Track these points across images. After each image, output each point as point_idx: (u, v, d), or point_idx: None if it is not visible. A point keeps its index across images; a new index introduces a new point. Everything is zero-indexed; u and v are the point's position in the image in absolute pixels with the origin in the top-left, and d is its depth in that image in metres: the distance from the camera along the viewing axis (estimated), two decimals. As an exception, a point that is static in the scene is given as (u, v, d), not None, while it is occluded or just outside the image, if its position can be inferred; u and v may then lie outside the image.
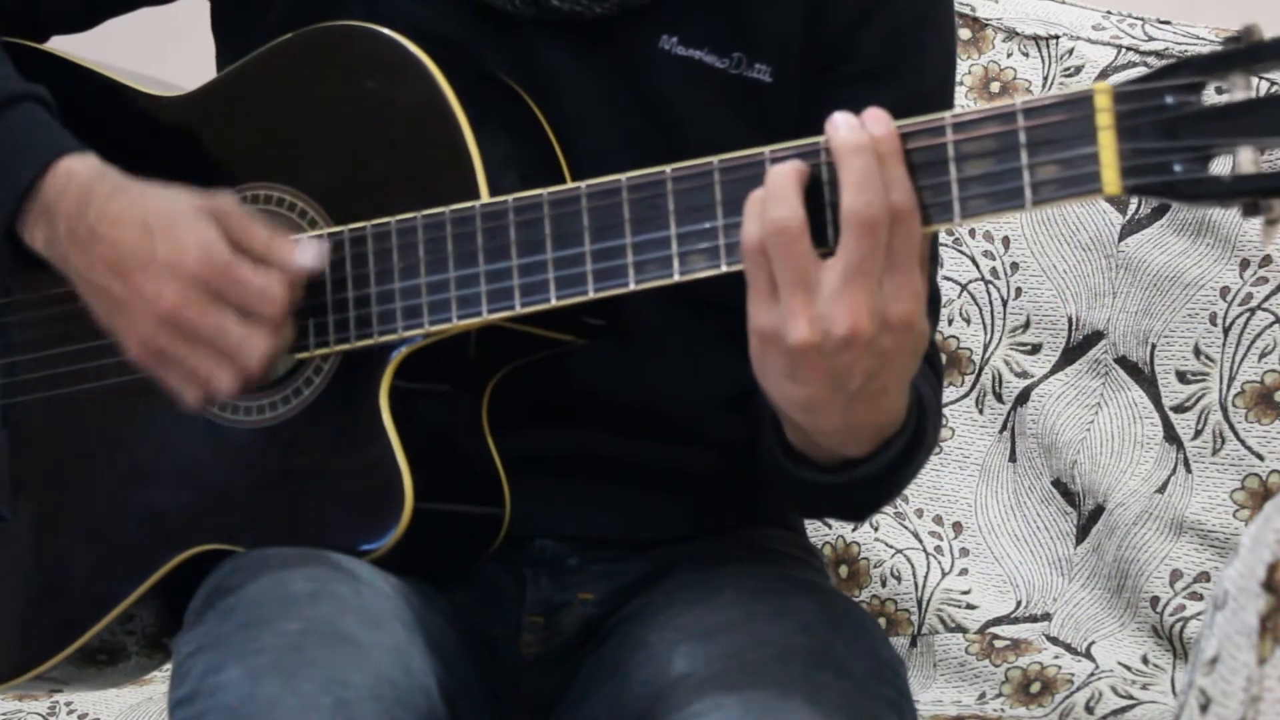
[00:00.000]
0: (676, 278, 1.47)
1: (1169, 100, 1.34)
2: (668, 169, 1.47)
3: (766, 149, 1.43)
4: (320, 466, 1.59)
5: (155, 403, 1.63)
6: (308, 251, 1.56)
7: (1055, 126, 1.37)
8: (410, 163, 1.58)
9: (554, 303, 1.51)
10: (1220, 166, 1.34)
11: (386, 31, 1.59)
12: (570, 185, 1.51)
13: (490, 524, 1.63)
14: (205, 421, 1.62)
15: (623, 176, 1.49)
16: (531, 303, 1.52)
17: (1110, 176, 1.35)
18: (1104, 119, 1.35)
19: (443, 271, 1.54)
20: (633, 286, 1.48)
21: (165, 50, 2.07)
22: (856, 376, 1.41)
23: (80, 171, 1.59)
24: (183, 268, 1.53)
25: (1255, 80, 1.35)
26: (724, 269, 1.46)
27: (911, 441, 1.53)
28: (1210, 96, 1.35)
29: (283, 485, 1.60)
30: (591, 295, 1.50)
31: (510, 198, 1.52)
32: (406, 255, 1.55)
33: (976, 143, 1.39)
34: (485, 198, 1.54)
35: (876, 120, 1.40)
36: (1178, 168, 1.33)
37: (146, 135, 1.67)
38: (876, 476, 1.53)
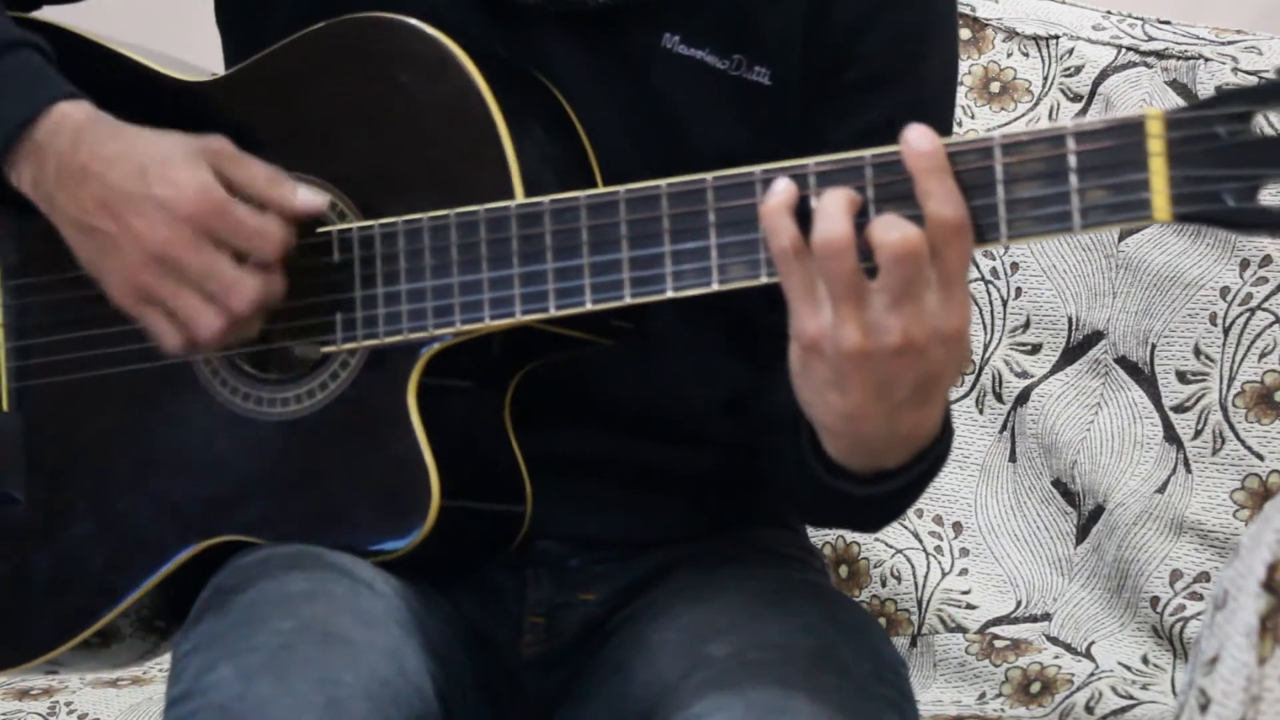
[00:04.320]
0: (715, 287, 1.46)
1: (1220, 129, 1.33)
2: (709, 176, 1.46)
3: (811, 160, 1.42)
4: (345, 462, 1.59)
5: (176, 390, 1.63)
6: (305, 195, 1.55)
7: (1105, 152, 1.35)
8: (443, 159, 1.57)
9: (590, 307, 1.50)
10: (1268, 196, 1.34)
11: (423, 25, 1.58)
12: (608, 189, 1.50)
13: (512, 521, 1.63)
14: (228, 411, 1.61)
15: (663, 183, 1.47)
16: (567, 306, 1.51)
17: (1161, 203, 1.34)
18: (1155, 145, 1.34)
19: (476, 271, 1.53)
20: (670, 294, 1.47)
21: (177, 28, 2.06)
22: (904, 386, 1.41)
23: (75, 114, 1.59)
24: (177, 206, 1.53)
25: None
26: (764, 280, 1.44)
27: (942, 451, 1.53)
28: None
29: (306, 479, 1.60)
30: (628, 301, 1.49)
31: (547, 199, 1.51)
32: (439, 253, 1.55)
33: (1025, 165, 1.38)
34: (520, 198, 1.54)
35: (921, 137, 1.39)
36: (1228, 197, 1.33)
37: (172, 120, 1.66)
38: (908, 487, 1.53)
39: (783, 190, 1.41)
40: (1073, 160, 1.37)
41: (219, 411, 1.61)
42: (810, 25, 1.65)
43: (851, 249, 1.38)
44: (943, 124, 1.70)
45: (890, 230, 1.37)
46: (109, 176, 1.55)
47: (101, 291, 1.60)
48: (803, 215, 1.40)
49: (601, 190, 1.51)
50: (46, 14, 1.76)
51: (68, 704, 2.25)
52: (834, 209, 1.39)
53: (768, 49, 1.65)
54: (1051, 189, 1.37)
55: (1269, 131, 1.33)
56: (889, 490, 1.52)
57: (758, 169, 1.44)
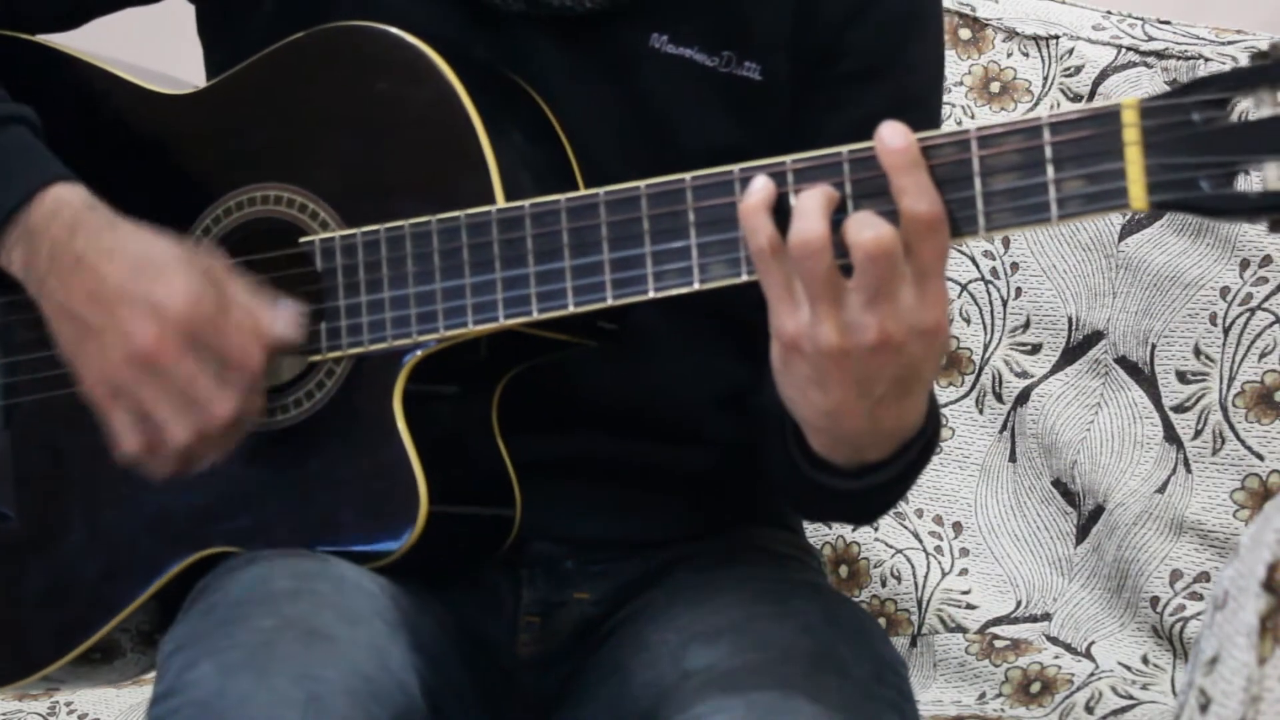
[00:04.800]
0: (696, 286, 1.47)
1: (1195, 116, 1.33)
2: (687, 176, 1.47)
3: (788, 158, 1.43)
4: (333, 470, 1.59)
5: None
6: (286, 318, 1.55)
7: (1082, 142, 1.36)
8: (423, 165, 1.57)
9: (572, 309, 1.51)
10: (1245, 182, 1.35)
11: (399, 32, 1.58)
12: (588, 192, 1.50)
13: (501, 525, 1.63)
14: None
15: (642, 184, 1.48)
16: (549, 309, 1.51)
17: (1137, 192, 1.35)
18: (1131, 134, 1.35)
19: (458, 277, 1.54)
20: (652, 294, 1.48)
21: (171, 43, 2.06)
22: (884, 382, 1.41)
23: (72, 200, 1.58)
24: (169, 311, 1.52)
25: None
26: (744, 278, 1.45)
27: (928, 442, 1.54)
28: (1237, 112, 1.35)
29: (294, 489, 1.60)
30: (610, 302, 1.49)
31: (527, 203, 1.52)
32: (421, 260, 1.55)
33: (1002, 157, 1.38)
34: (501, 202, 1.54)
35: (894, 134, 1.40)
36: (1204, 184, 1.33)
37: (154, 134, 1.66)
38: (895, 479, 1.53)
39: (760, 189, 1.41)
40: (1049, 151, 1.37)
41: None
42: (799, 18, 1.65)
43: (827, 249, 1.38)
44: (933, 113, 1.71)
45: (863, 229, 1.37)
46: (103, 269, 1.54)
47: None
48: (782, 213, 1.41)
49: (581, 193, 1.51)
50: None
51: (68, 704, 2.25)
52: (810, 208, 1.39)
53: (756, 44, 1.65)
54: (1028, 180, 1.38)
55: (1245, 118, 1.34)
56: (875, 483, 1.52)
57: (736, 167, 1.45)
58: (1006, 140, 1.38)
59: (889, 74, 1.66)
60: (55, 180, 1.59)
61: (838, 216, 1.39)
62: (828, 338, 1.39)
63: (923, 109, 1.66)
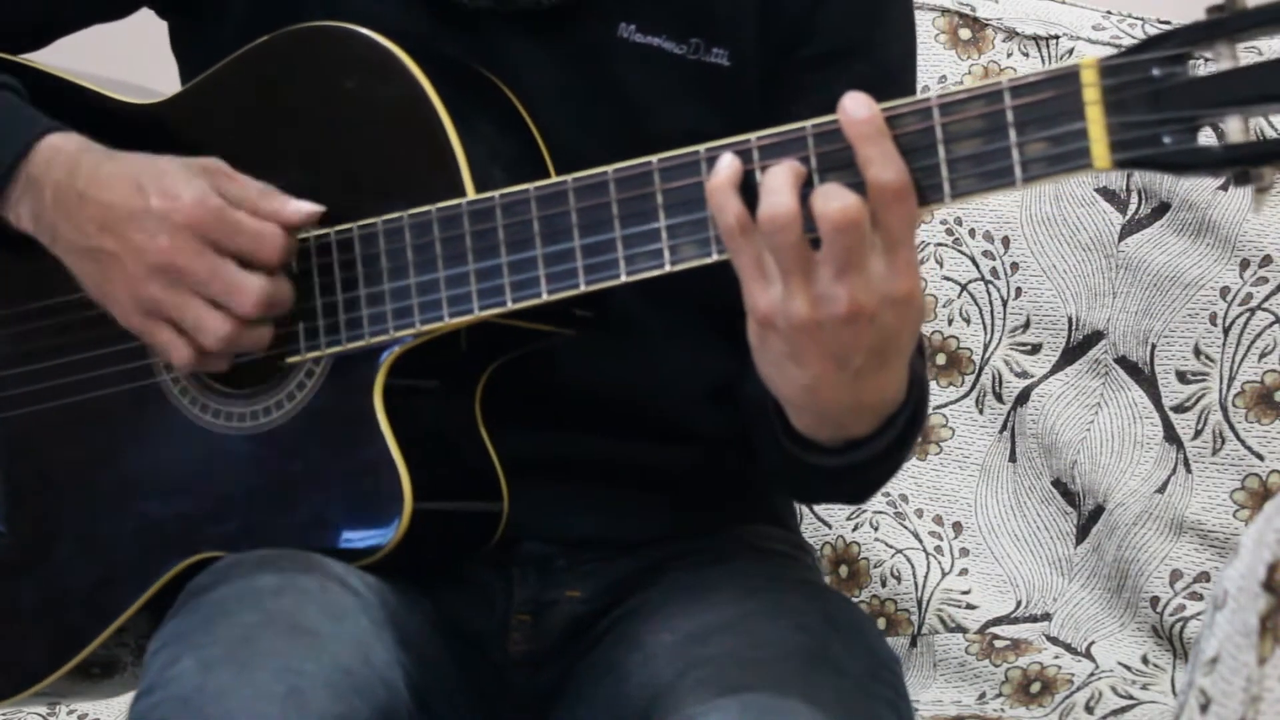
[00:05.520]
0: (668, 268, 1.47)
1: (1155, 72, 1.34)
2: (654, 159, 1.47)
3: (753, 135, 1.43)
4: (317, 470, 1.59)
5: (148, 412, 1.63)
6: (296, 204, 1.56)
7: (1043, 104, 1.37)
8: (394, 162, 1.58)
9: (545, 298, 1.51)
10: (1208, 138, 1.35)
11: (365, 30, 1.59)
12: (556, 179, 1.51)
13: (489, 519, 1.63)
14: (199, 429, 1.62)
15: (609, 169, 1.49)
16: (523, 298, 1.52)
17: (1100, 151, 1.35)
18: (1091, 94, 1.35)
19: (432, 271, 1.54)
20: (624, 278, 1.49)
21: (144, 55, 2.07)
22: (860, 353, 1.41)
23: (66, 145, 1.60)
24: (176, 216, 1.54)
25: (1240, 49, 1.35)
26: (715, 257, 1.46)
27: (913, 416, 1.53)
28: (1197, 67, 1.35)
29: (280, 491, 1.60)
30: (583, 289, 1.50)
31: (497, 194, 1.52)
32: (395, 256, 1.55)
33: (965, 123, 1.39)
34: (471, 195, 1.54)
35: (857, 105, 1.40)
36: (1167, 139, 1.33)
37: (127, 144, 1.66)
38: (882, 454, 1.53)
39: (726, 167, 1.42)
40: (1010, 115, 1.37)
41: (191, 429, 1.62)
42: (766, 2, 1.65)
43: (796, 223, 1.39)
44: (908, 91, 1.70)
45: (830, 201, 1.38)
46: (106, 196, 1.56)
47: (70, 320, 1.61)
48: (749, 190, 1.41)
49: (550, 181, 1.52)
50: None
51: (68, 704, 2.25)
52: (778, 184, 1.40)
53: (724, 30, 1.66)
54: (991, 145, 1.38)
55: (1205, 72, 1.34)
56: (863, 459, 1.52)
57: (702, 148, 1.46)
58: (968, 106, 1.39)
59: (859, 54, 1.66)
60: (48, 130, 1.61)
61: (804, 191, 1.40)
62: (799, 311, 1.39)
63: (897, 87, 1.66)
